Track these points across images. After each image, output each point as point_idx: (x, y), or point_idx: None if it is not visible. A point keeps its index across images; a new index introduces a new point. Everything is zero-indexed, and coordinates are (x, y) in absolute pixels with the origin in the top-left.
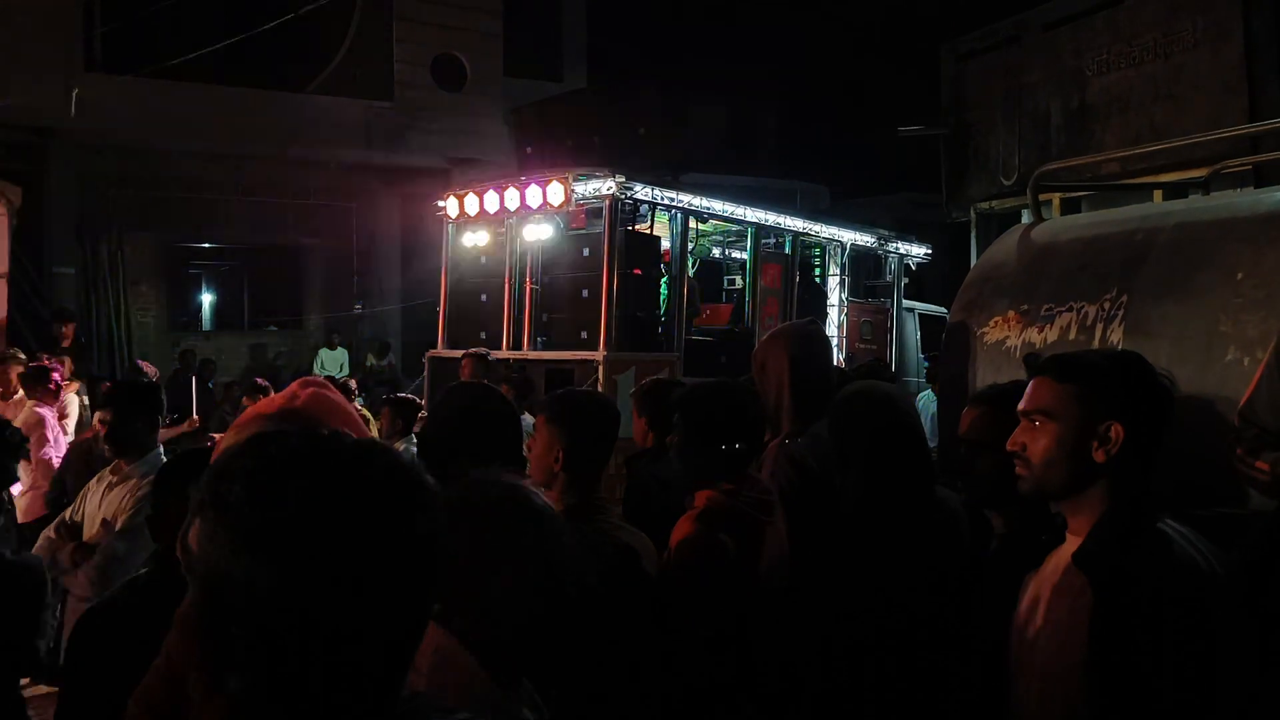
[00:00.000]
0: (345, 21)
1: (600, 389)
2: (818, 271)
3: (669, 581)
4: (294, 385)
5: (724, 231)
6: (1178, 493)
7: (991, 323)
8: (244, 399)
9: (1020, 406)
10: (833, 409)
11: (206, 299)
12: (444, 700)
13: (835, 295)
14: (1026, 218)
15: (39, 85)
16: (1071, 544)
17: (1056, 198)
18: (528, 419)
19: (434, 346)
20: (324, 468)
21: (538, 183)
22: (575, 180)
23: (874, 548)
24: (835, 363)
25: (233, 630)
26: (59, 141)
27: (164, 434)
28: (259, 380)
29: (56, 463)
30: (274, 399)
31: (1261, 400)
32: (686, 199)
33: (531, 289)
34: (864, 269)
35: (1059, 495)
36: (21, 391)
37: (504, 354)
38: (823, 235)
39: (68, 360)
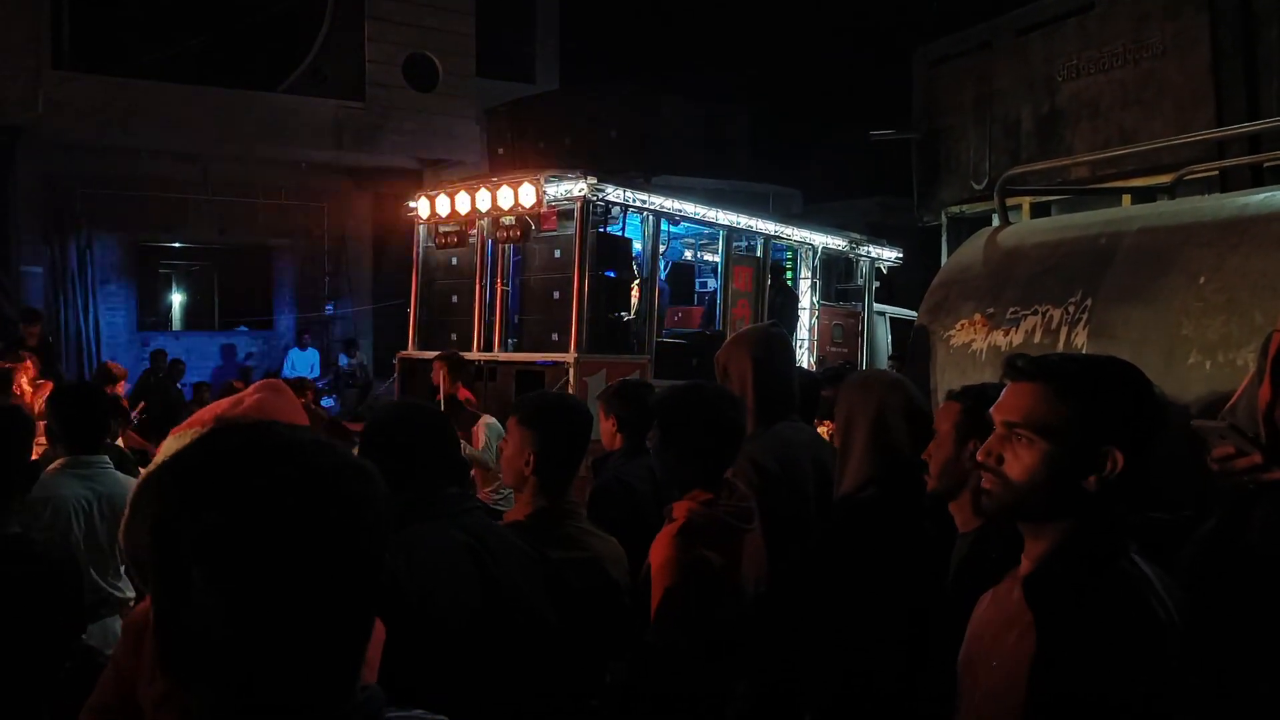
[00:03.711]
0: (317, 21)
1: (571, 391)
2: (789, 275)
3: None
4: (249, 389)
5: (696, 234)
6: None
7: (958, 325)
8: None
9: (1002, 415)
10: (844, 388)
11: (176, 299)
12: None
13: (807, 299)
14: (997, 222)
15: (6, 82)
16: (1027, 567)
17: (1026, 202)
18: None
19: (405, 347)
20: (248, 467)
21: (509, 184)
22: (547, 182)
23: (874, 532)
24: (807, 365)
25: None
26: (27, 139)
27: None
28: (236, 384)
29: None
30: (219, 403)
31: (1241, 406)
32: (658, 201)
33: (502, 290)
34: (836, 272)
35: (1031, 519)
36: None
37: (475, 355)
38: (795, 238)
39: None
